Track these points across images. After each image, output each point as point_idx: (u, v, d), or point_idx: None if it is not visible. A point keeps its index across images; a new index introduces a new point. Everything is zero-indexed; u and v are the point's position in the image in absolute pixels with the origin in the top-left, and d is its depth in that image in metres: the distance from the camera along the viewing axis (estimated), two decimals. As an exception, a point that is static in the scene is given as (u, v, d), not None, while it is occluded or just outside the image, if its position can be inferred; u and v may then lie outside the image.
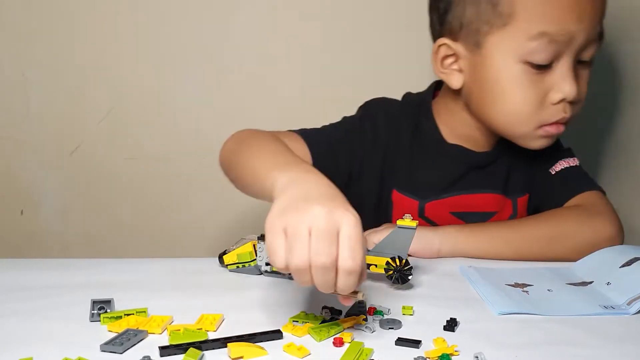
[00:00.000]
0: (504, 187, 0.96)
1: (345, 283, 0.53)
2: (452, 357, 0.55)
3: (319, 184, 0.60)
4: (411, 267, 0.70)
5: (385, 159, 0.94)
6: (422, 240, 0.82)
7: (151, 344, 0.57)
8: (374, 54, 1.22)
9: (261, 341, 0.57)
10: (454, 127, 0.94)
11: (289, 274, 0.73)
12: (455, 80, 0.88)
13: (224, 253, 0.78)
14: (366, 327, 0.60)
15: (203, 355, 0.55)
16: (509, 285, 0.74)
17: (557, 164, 0.97)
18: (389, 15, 1.18)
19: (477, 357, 0.54)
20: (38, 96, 1.22)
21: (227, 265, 0.77)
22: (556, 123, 0.85)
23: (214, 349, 0.56)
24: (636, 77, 1.21)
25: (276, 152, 0.73)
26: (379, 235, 0.79)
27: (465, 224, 0.91)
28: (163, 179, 1.26)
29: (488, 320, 0.64)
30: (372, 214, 0.94)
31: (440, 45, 0.87)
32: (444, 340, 0.58)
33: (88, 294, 0.66)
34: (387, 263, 0.70)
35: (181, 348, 0.55)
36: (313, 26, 1.20)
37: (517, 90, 0.83)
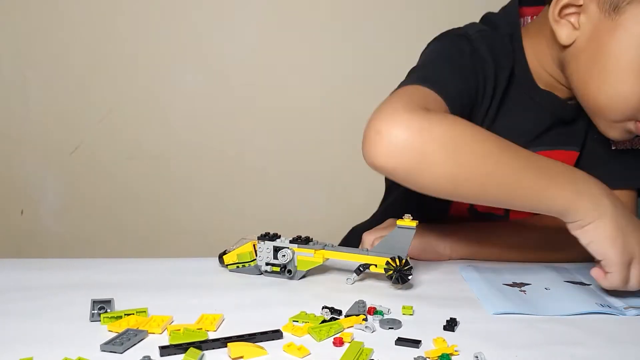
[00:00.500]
0: (584, 143, 0.88)
1: None
2: (452, 357, 0.55)
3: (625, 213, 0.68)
4: (411, 267, 0.70)
5: (490, 108, 0.82)
6: (432, 251, 0.82)
7: (151, 344, 0.57)
8: (374, 54, 1.22)
9: (261, 341, 0.57)
10: (542, 69, 0.83)
11: (289, 273, 0.73)
12: (566, 35, 0.77)
13: (224, 253, 0.78)
14: (366, 327, 0.60)
15: (203, 355, 0.55)
16: (506, 285, 0.74)
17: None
18: (390, 15, 1.18)
19: (477, 357, 0.54)
20: (38, 96, 1.22)
21: (227, 265, 0.77)
22: None
23: (214, 348, 0.56)
24: None
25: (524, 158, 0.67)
26: (380, 233, 0.78)
27: (473, 226, 0.88)
28: (163, 179, 1.26)
29: (488, 320, 0.64)
30: None
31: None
32: (444, 340, 0.58)
33: (88, 293, 0.66)
34: (387, 263, 0.70)
35: (181, 348, 0.55)
36: (313, 26, 1.20)
37: (635, 77, 0.73)
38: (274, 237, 0.75)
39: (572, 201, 0.67)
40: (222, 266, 0.78)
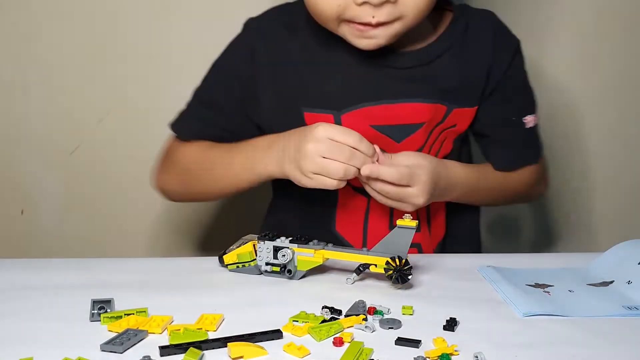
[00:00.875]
0: (443, 93, 0.84)
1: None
2: (452, 357, 0.55)
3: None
4: (411, 267, 0.70)
5: (280, 77, 0.85)
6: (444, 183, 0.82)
7: (151, 344, 0.57)
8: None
9: (261, 341, 0.57)
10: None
11: (289, 273, 0.74)
12: None
13: (224, 253, 0.78)
14: (366, 327, 0.60)
15: (203, 354, 0.55)
16: (529, 285, 0.73)
17: (529, 117, 0.90)
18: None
19: (476, 357, 0.55)
20: (38, 96, 1.22)
21: (227, 265, 0.77)
22: (366, 24, 0.75)
23: (214, 348, 0.56)
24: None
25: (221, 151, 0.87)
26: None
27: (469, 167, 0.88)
28: (163, 179, 1.26)
29: (488, 320, 0.64)
30: None
31: None
32: (444, 340, 0.58)
33: (88, 293, 0.66)
34: (387, 263, 0.70)
35: (181, 348, 0.55)
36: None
37: None
38: (274, 237, 0.75)
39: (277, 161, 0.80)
40: (222, 266, 0.78)
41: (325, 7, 0.75)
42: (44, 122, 1.23)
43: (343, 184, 0.77)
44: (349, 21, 0.76)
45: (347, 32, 0.78)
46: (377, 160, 0.76)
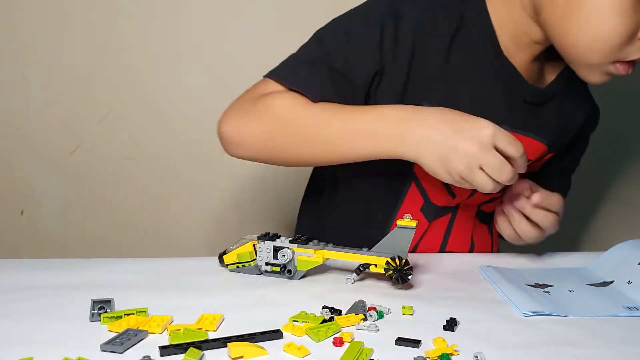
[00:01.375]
0: (543, 133, 0.85)
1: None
2: (452, 357, 0.55)
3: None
4: (411, 267, 0.70)
5: (410, 75, 0.78)
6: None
7: (151, 344, 0.57)
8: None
9: (261, 341, 0.57)
10: (508, 27, 0.78)
11: (289, 273, 0.74)
12: None
13: (224, 253, 0.78)
14: (370, 326, 0.60)
15: (203, 355, 0.55)
16: (529, 285, 0.73)
17: (572, 175, 0.95)
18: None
19: (476, 357, 0.55)
20: (38, 96, 1.22)
21: (227, 265, 0.77)
22: (631, 62, 0.75)
23: (214, 348, 0.56)
24: None
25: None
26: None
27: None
28: (163, 179, 1.26)
29: (488, 320, 0.64)
30: None
31: None
32: (444, 340, 0.58)
33: (88, 293, 0.66)
34: (387, 263, 0.70)
35: (181, 348, 0.55)
36: (313, 26, 1.20)
37: (616, 15, 0.70)
38: (274, 237, 0.75)
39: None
40: (222, 266, 0.78)
41: (608, 43, 0.72)
42: (43, 123, 1.23)
43: (499, 187, 0.71)
44: (613, 62, 0.75)
45: (598, 70, 0.76)
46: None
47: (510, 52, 0.79)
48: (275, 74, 0.79)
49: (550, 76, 0.85)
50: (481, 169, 0.68)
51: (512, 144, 0.68)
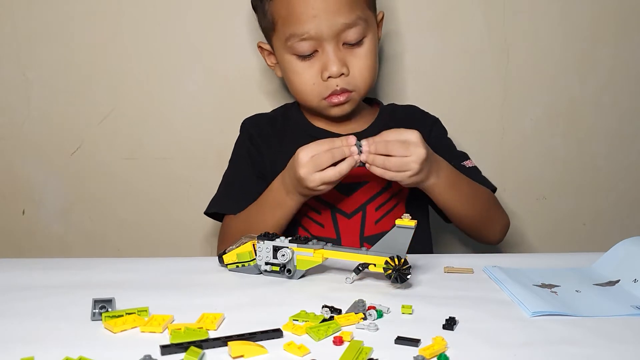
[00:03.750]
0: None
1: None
2: (452, 357, 0.55)
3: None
4: (410, 267, 0.70)
5: (268, 157, 1.05)
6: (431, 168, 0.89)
7: (152, 343, 0.57)
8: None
9: (261, 340, 0.58)
10: (312, 114, 1.06)
11: (289, 273, 0.74)
12: (278, 72, 1.08)
13: (224, 253, 0.78)
14: (370, 325, 0.61)
15: (204, 353, 0.55)
16: (536, 285, 0.73)
17: (467, 161, 1.06)
18: (390, 15, 1.18)
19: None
20: (39, 97, 1.23)
21: (227, 264, 0.78)
22: (333, 94, 0.99)
23: (214, 347, 0.56)
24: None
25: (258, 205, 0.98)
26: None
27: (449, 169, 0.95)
28: (163, 179, 1.26)
29: (487, 319, 0.64)
30: None
31: (259, 46, 1.08)
32: (443, 339, 0.58)
33: (89, 293, 0.66)
34: (386, 262, 0.70)
35: (182, 347, 0.55)
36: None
37: (294, 75, 1.01)
38: (273, 236, 0.75)
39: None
40: (222, 266, 0.78)
41: (306, 91, 1.01)
42: (45, 123, 1.23)
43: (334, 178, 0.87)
44: (324, 98, 1.00)
45: (324, 106, 1.01)
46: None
47: (318, 122, 1.07)
48: (214, 209, 1.05)
49: (368, 123, 1.07)
50: (318, 171, 0.86)
51: (319, 145, 0.87)
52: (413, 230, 0.71)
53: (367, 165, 0.86)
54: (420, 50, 1.22)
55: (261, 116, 1.13)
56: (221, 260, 0.78)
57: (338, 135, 0.99)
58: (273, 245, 0.74)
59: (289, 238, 0.75)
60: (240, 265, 0.76)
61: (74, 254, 1.27)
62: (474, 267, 0.80)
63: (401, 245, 0.71)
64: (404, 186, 0.92)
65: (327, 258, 0.74)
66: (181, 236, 1.28)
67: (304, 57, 0.99)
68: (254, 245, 0.76)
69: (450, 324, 0.62)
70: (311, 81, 1.00)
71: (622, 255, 0.79)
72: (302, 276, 0.75)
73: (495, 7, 1.20)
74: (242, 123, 1.12)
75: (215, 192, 1.07)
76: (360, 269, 0.73)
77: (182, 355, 0.54)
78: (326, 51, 0.97)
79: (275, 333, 0.59)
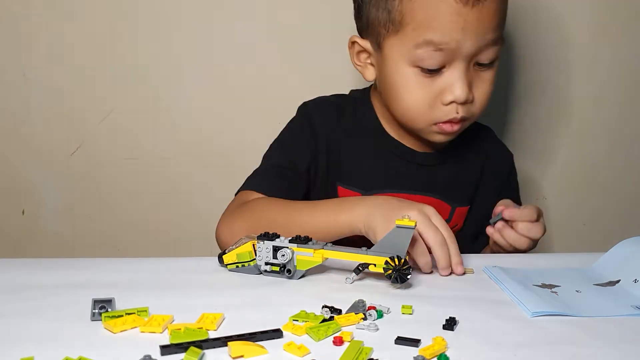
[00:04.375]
0: (444, 192, 0.99)
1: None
2: (452, 357, 0.55)
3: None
4: (410, 267, 0.70)
5: (328, 153, 0.97)
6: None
7: (152, 343, 0.57)
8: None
9: (261, 340, 0.58)
10: (392, 120, 0.97)
11: (289, 273, 0.74)
12: (368, 74, 0.95)
13: (224, 253, 0.78)
14: (370, 325, 0.61)
15: (204, 354, 0.55)
16: (536, 285, 0.73)
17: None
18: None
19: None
20: (39, 97, 1.23)
21: (226, 265, 0.78)
22: (450, 122, 0.89)
23: (214, 347, 0.56)
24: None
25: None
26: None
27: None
28: (163, 179, 1.26)
29: (487, 319, 0.64)
30: None
31: (353, 42, 0.94)
32: (443, 339, 0.58)
33: (89, 293, 0.66)
34: (386, 262, 0.70)
35: (182, 347, 0.55)
36: (313, 27, 1.20)
37: (408, 91, 0.88)
38: (273, 236, 0.75)
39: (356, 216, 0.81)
40: (222, 266, 0.78)
41: (418, 111, 0.89)
42: (44, 123, 1.23)
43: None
44: (435, 124, 0.90)
45: (430, 130, 0.91)
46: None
47: (400, 135, 0.98)
48: (247, 186, 0.95)
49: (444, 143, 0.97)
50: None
51: (441, 224, 0.78)
52: (413, 230, 0.71)
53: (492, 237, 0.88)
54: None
55: (326, 102, 1.01)
56: (221, 260, 0.78)
57: (412, 152, 0.97)
58: (273, 245, 0.74)
59: (289, 238, 0.75)
60: (240, 265, 0.76)
61: (74, 254, 1.27)
62: (474, 267, 0.80)
63: (401, 245, 0.71)
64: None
65: (327, 258, 0.74)
66: (181, 236, 1.28)
67: (428, 71, 0.86)
68: (253, 245, 0.76)
69: (450, 324, 0.61)
70: (427, 102, 0.87)
71: (622, 255, 0.79)
72: (302, 276, 0.75)
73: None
74: (304, 104, 1.01)
75: (254, 171, 0.98)
76: (360, 269, 0.73)
77: (182, 355, 0.54)
78: (455, 70, 0.85)
79: (275, 333, 0.59)
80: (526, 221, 0.87)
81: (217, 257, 0.79)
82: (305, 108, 1.00)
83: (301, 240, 0.74)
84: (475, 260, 0.83)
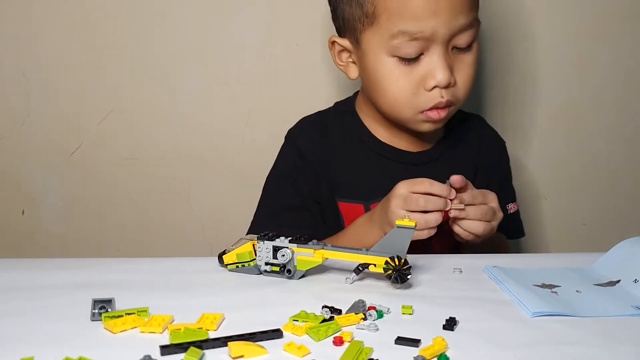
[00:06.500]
0: None
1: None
2: (452, 356, 0.55)
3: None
4: (410, 267, 0.70)
5: (322, 172, 0.98)
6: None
7: (152, 343, 0.57)
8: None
9: (261, 340, 0.58)
10: (381, 122, 0.98)
11: (289, 273, 0.74)
12: (351, 72, 0.95)
13: (224, 253, 0.78)
14: (370, 325, 0.61)
15: (203, 354, 0.55)
16: (536, 285, 0.73)
17: (511, 205, 1.03)
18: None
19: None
20: (39, 97, 1.23)
21: (226, 265, 0.77)
22: (435, 108, 0.89)
23: (214, 347, 0.56)
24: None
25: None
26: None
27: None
28: (163, 179, 1.26)
29: (487, 319, 0.64)
30: (332, 228, 0.98)
31: (333, 42, 0.95)
32: (443, 339, 0.58)
33: (89, 293, 0.66)
34: (386, 262, 0.70)
35: (182, 347, 0.55)
36: (313, 26, 1.20)
37: (390, 81, 0.89)
38: (274, 237, 0.75)
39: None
40: (222, 266, 0.78)
41: (402, 101, 0.89)
42: (44, 123, 1.23)
43: (432, 232, 0.83)
44: (421, 112, 0.90)
45: (417, 120, 0.91)
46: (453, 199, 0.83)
47: (391, 137, 0.98)
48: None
49: (434, 141, 0.99)
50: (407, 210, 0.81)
51: (415, 184, 0.82)
52: (413, 230, 0.71)
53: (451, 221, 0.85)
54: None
55: (308, 124, 1.02)
56: (221, 261, 0.78)
57: (405, 153, 0.97)
58: (273, 246, 0.74)
59: (289, 238, 0.75)
60: (240, 265, 0.76)
61: (74, 254, 1.27)
62: (474, 267, 0.80)
63: (401, 245, 0.71)
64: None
65: (327, 258, 0.74)
66: (181, 236, 1.28)
67: (407, 60, 0.87)
68: (253, 245, 0.76)
69: (450, 324, 0.61)
70: (411, 90, 0.88)
71: (623, 255, 0.79)
72: (302, 276, 0.75)
73: (495, 7, 1.21)
74: (288, 133, 1.02)
75: (256, 210, 1.01)
76: (360, 269, 0.73)
77: (182, 355, 0.54)
78: (434, 55, 0.86)
79: (275, 333, 0.59)
80: (476, 204, 0.85)
81: (217, 257, 0.79)
82: (290, 136, 1.02)
83: (301, 240, 0.74)
84: (475, 260, 0.83)
